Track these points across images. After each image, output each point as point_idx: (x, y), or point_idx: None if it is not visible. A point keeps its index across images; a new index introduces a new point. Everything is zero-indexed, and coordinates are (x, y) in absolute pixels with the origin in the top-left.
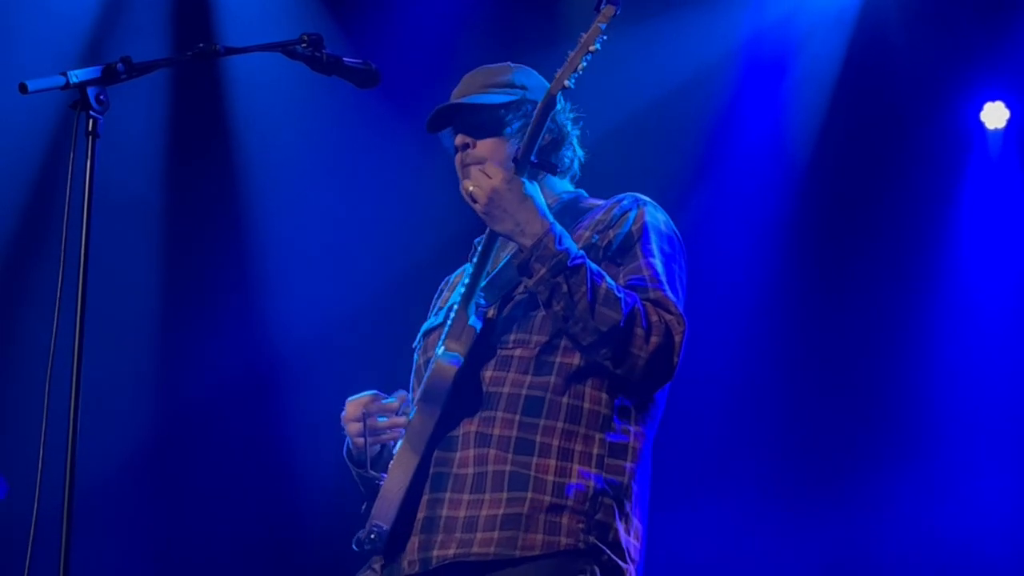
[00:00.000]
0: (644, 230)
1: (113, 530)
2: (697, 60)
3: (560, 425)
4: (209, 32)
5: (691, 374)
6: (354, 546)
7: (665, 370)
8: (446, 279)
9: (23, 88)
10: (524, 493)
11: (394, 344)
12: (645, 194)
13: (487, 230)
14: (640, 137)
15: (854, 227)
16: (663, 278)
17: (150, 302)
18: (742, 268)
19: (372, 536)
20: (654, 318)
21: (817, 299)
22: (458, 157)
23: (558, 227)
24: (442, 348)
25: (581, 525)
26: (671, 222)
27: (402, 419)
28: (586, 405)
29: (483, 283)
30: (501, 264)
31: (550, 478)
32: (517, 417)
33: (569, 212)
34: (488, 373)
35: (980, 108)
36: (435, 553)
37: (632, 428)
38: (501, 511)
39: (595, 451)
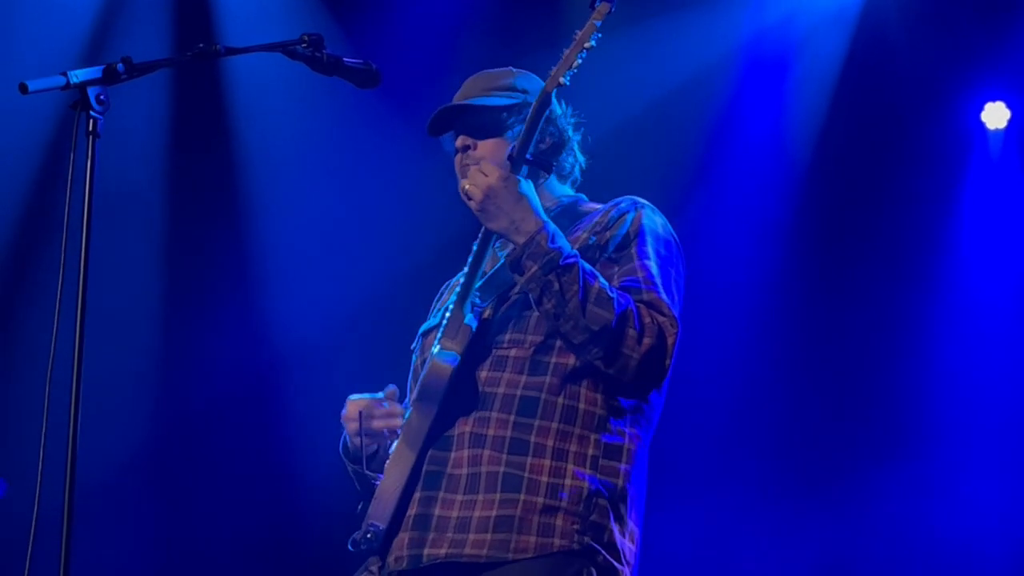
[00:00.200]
0: (641, 232)
1: (113, 530)
2: (697, 60)
3: (555, 426)
4: (209, 32)
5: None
6: (350, 547)
7: (657, 372)
8: (447, 283)
9: (23, 88)
10: (517, 495)
11: (395, 344)
12: (646, 194)
13: (482, 229)
14: (640, 137)
15: (854, 227)
16: (658, 280)
17: (150, 302)
18: (742, 268)
19: (368, 536)
20: (647, 320)
21: (817, 298)
22: (458, 158)
23: (551, 226)
24: (438, 347)
25: (576, 526)
26: (669, 225)
27: (398, 420)
28: (581, 406)
29: (479, 283)
30: (498, 264)
31: (544, 479)
32: (512, 417)
33: (568, 215)
34: (483, 373)
35: (981, 108)
36: (426, 551)
37: (628, 430)
38: (494, 512)
39: (590, 452)
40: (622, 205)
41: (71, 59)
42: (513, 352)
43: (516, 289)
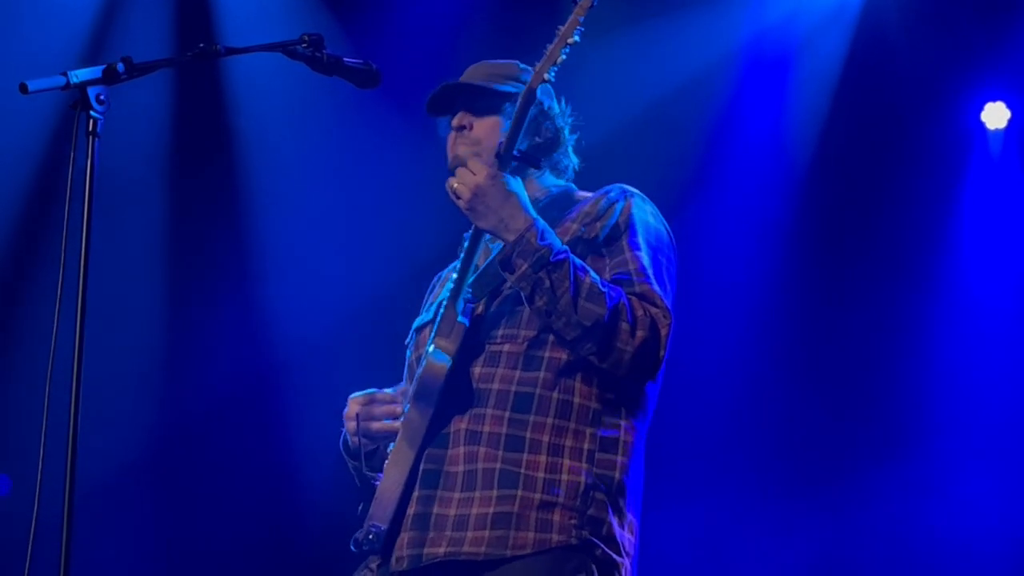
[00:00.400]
0: (631, 222)
1: (113, 530)
2: (697, 60)
3: (550, 421)
4: (209, 32)
5: (689, 373)
6: (352, 547)
7: (651, 364)
8: (437, 275)
9: (23, 88)
10: (514, 491)
11: (395, 343)
12: (646, 194)
13: (472, 226)
14: (640, 137)
15: (854, 227)
16: (649, 271)
17: (151, 302)
18: (742, 268)
19: (370, 537)
20: (639, 312)
21: (816, 298)
22: (451, 136)
23: (541, 222)
24: (432, 347)
25: (573, 521)
26: (659, 214)
27: (395, 424)
28: (576, 400)
29: (470, 279)
30: (489, 259)
31: (540, 475)
32: (507, 414)
33: (557, 205)
34: (477, 370)
35: (981, 108)
36: (425, 551)
37: (623, 422)
38: (491, 509)
39: (586, 446)
40: (611, 195)
41: (71, 59)
42: (506, 348)
43: (508, 284)
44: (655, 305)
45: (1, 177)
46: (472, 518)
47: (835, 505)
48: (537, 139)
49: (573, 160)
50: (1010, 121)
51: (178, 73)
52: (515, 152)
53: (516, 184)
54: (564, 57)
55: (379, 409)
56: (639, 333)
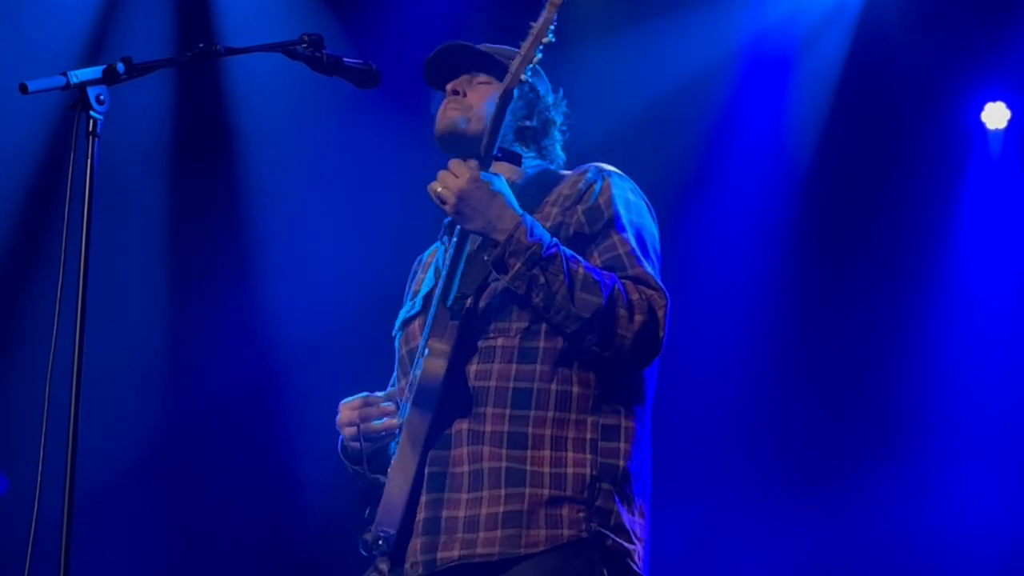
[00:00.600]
0: (612, 203)
1: (113, 530)
2: (698, 60)
3: (550, 414)
4: (209, 32)
5: (690, 372)
6: (362, 550)
7: (652, 347)
8: (418, 259)
9: (23, 88)
10: (522, 489)
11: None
12: (647, 194)
13: (457, 226)
14: (641, 137)
15: (854, 227)
16: (638, 252)
17: (151, 302)
18: (742, 268)
19: (380, 542)
20: (635, 296)
21: (816, 298)
22: (445, 102)
23: (528, 218)
24: (427, 348)
25: (582, 514)
26: (637, 187)
27: (395, 421)
28: (575, 389)
29: (459, 276)
30: (469, 251)
31: (546, 470)
32: (507, 411)
33: (534, 185)
34: (473, 367)
35: (981, 108)
36: (439, 555)
37: (623, 408)
38: (501, 509)
39: (588, 436)
40: (588, 175)
41: (71, 59)
42: (500, 342)
43: (500, 283)
44: (650, 287)
45: (1, 177)
46: (482, 518)
47: (835, 505)
48: (528, 123)
49: (561, 156)
50: (1010, 121)
51: (178, 73)
52: (496, 152)
53: (500, 182)
54: (540, 56)
55: (376, 410)
56: (637, 317)
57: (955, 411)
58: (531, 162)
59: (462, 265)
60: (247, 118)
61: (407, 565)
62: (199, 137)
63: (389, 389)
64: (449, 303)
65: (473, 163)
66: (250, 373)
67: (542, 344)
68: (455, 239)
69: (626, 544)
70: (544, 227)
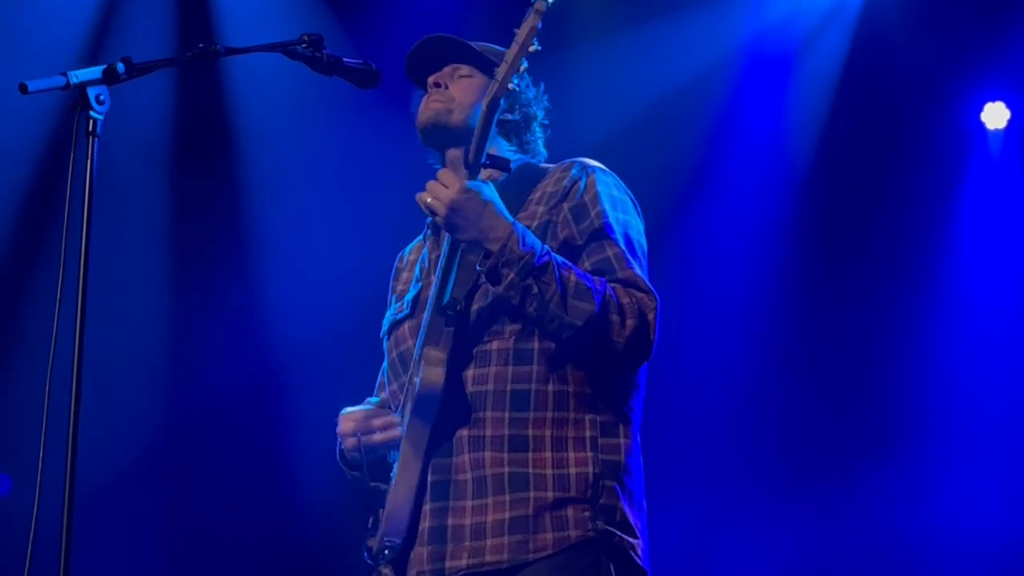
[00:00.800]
0: (599, 200)
1: (113, 530)
2: (698, 60)
3: (550, 415)
4: (209, 32)
5: (690, 372)
6: (367, 558)
7: (644, 349)
8: (400, 255)
9: (23, 88)
10: (526, 493)
11: None
12: (646, 195)
13: (447, 236)
14: (641, 137)
15: (854, 227)
16: (627, 255)
17: (151, 302)
18: (742, 268)
19: (386, 552)
20: (625, 300)
21: (816, 298)
22: (427, 96)
23: (520, 226)
24: (423, 357)
25: (587, 514)
26: (621, 182)
27: (397, 432)
28: (571, 388)
29: (451, 282)
30: (454, 254)
31: (549, 472)
32: (506, 414)
33: (516, 180)
34: (471, 372)
35: (981, 108)
36: (448, 564)
37: (619, 404)
38: (507, 515)
39: (587, 434)
40: (572, 172)
41: (71, 59)
42: (495, 344)
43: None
44: (640, 289)
45: (1, 177)
46: (489, 525)
47: (834, 505)
48: (509, 116)
49: (543, 152)
50: (1010, 121)
51: (178, 73)
52: (484, 160)
53: (490, 191)
54: (526, 64)
55: (377, 422)
56: (629, 322)
57: (954, 411)
58: (512, 156)
59: (455, 271)
60: (247, 118)
61: (412, 573)
62: (199, 137)
63: (378, 392)
64: (442, 309)
65: (463, 172)
66: (250, 373)
67: (536, 345)
68: (446, 244)
69: (630, 539)
70: (531, 226)
